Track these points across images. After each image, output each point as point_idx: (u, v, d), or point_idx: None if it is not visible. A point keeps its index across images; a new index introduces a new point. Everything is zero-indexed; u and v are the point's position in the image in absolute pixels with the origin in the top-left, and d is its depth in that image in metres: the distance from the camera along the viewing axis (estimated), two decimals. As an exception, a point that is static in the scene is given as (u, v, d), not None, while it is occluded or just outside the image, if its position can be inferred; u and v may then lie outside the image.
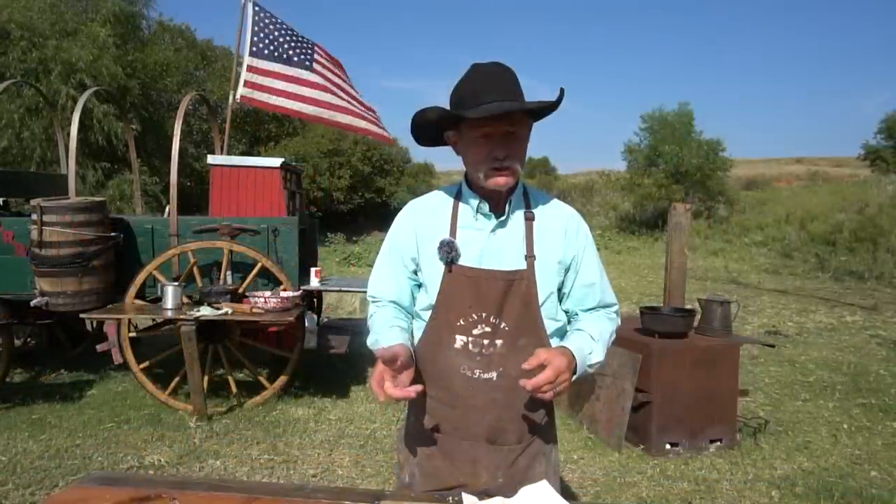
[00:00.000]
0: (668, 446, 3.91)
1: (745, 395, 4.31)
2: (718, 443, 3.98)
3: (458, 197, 1.56)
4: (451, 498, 1.39)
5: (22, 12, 13.47)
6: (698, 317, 4.22)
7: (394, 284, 1.60)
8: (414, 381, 1.42)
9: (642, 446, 3.96)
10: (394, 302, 1.60)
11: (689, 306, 4.52)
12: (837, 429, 4.41)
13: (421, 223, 1.56)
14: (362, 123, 6.28)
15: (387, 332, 1.50)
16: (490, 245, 1.50)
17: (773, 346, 5.38)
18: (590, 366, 1.47)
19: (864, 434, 4.33)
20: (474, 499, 1.32)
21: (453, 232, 1.51)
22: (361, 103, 6.32)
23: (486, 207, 1.51)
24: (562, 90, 1.43)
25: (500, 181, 1.44)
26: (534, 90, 1.49)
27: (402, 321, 1.57)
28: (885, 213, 16.43)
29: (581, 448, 3.98)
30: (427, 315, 1.55)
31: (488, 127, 1.41)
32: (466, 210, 1.53)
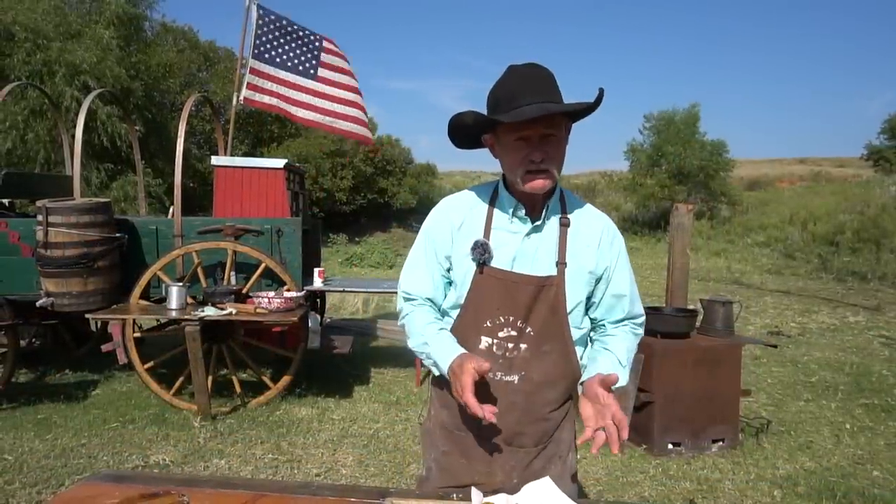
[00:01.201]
0: (670, 446, 3.92)
1: (748, 396, 4.32)
2: (721, 443, 3.99)
3: (494, 197, 1.55)
4: (455, 494, 1.40)
5: (26, 14, 13.50)
6: (700, 317, 4.23)
7: (430, 282, 1.58)
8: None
9: (644, 446, 3.97)
10: (429, 299, 1.58)
11: (691, 307, 4.53)
12: (840, 429, 4.42)
13: (457, 221, 1.55)
14: (355, 128, 6.38)
15: (436, 336, 1.48)
16: (524, 249, 1.49)
17: (775, 346, 5.40)
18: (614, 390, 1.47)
19: (866, 434, 4.33)
20: (480, 494, 1.34)
21: (487, 233, 1.50)
22: (356, 104, 6.39)
23: (522, 211, 1.50)
24: (601, 91, 1.40)
25: (537, 185, 1.42)
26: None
27: (442, 323, 1.55)
28: (888, 213, 16.40)
29: (583, 448, 3.97)
30: (454, 313, 1.55)
31: (525, 130, 1.39)
32: (502, 212, 1.52)
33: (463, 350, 1.43)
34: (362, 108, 6.44)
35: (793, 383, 5.57)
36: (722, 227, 19.97)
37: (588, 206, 1.59)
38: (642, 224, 22.02)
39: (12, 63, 13.17)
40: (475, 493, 1.34)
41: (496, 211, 1.53)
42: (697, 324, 4.20)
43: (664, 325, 4.04)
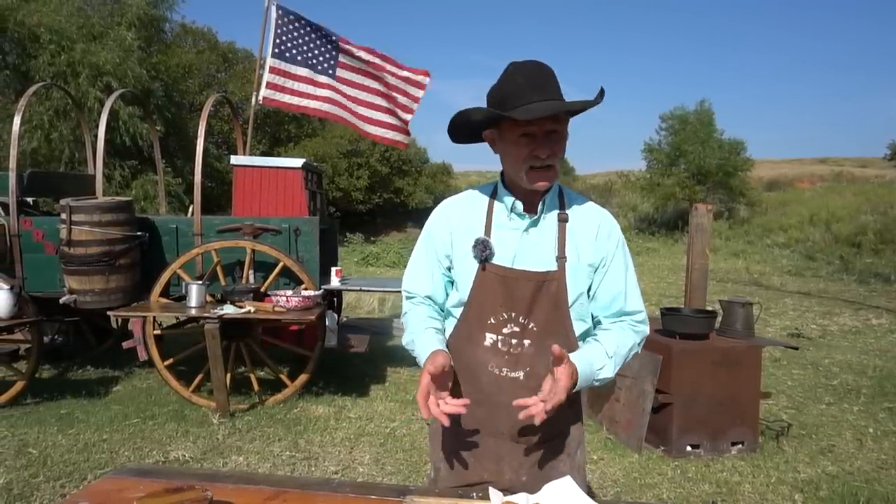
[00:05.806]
0: (688, 448, 3.88)
1: (768, 398, 4.26)
2: (740, 445, 3.95)
3: (493, 195, 1.57)
4: (475, 493, 1.41)
5: (51, 17, 13.74)
6: (719, 318, 4.19)
7: (429, 281, 1.61)
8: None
9: (663, 448, 3.94)
10: (429, 297, 1.62)
11: (710, 308, 4.48)
12: (862, 433, 4.34)
13: (456, 221, 1.57)
14: (378, 130, 6.36)
15: (422, 334, 1.51)
16: (523, 245, 1.51)
17: (796, 348, 5.31)
18: (597, 380, 1.47)
19: (890, 438, 4.25)
20: (499, 493, 1.34)
21: (488, 230, 1.52)
22: (390, 99, 6.32)
23: (520, 207, 1.51)
24: (602, 89, 1.43)
25: (542, 184, 1.46)
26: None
27: (436, 321, 1.58)
28: (912, 214, 16.09)
29: (601, 449, 3.97)
30: (458, 312, 1.57)
31: (532, 126, 1.41)
32: (501, 209, 1.54)
33: (438, 348, 1.44)
34: (390, 111, 6.37)
35: (814, 386, 5.49)
36: (741, 228, 19.73)
37: (586, 201, 1.60)
38: (660, 225, 21.82)
39: (37, 64, 13.43)
40: (494, 493, 1.34)
41: (496, 208, 1.55)
42: (716, 325, 4.16)
43: (683, 326, 4.01)
